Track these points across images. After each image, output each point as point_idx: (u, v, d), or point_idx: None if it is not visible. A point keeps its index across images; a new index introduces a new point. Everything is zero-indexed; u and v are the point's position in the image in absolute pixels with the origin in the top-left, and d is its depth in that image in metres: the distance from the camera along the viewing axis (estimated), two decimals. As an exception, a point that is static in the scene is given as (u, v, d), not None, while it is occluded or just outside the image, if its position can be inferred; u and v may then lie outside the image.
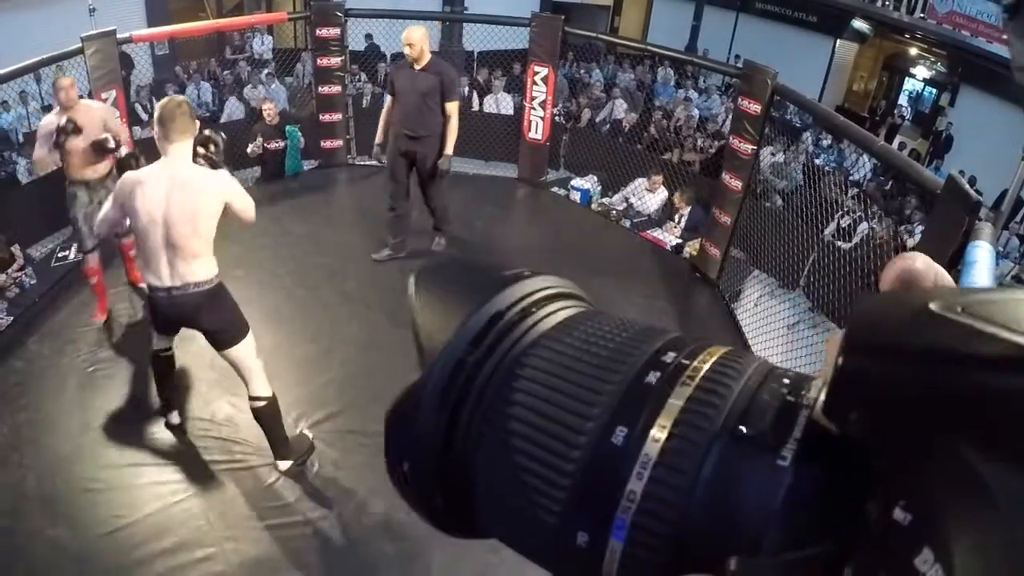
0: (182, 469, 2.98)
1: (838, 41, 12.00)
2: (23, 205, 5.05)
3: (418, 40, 4.08)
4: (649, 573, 0.19)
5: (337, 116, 6.07)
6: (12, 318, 4.04)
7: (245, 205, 2.57)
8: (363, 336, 3.88)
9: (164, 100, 2.48)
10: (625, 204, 5.90)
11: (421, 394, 0.24)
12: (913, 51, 11.97)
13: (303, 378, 3.49)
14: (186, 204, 2.40)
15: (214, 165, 2.66)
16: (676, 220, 5.54)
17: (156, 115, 2.42)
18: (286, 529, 2.77)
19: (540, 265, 0.32)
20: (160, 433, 3.16)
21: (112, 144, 3.60)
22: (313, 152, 6.19)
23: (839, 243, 5.16)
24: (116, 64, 4.80)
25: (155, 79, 9.00)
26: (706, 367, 0.20)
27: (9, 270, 4.48)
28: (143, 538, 2.67)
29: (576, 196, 6.00)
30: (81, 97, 3.75)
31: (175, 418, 3.12)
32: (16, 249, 4.64)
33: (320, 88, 5.98)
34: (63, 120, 3.50)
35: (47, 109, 7.87)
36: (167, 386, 3.07)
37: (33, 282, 4.48)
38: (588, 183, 6.05)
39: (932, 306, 0.17)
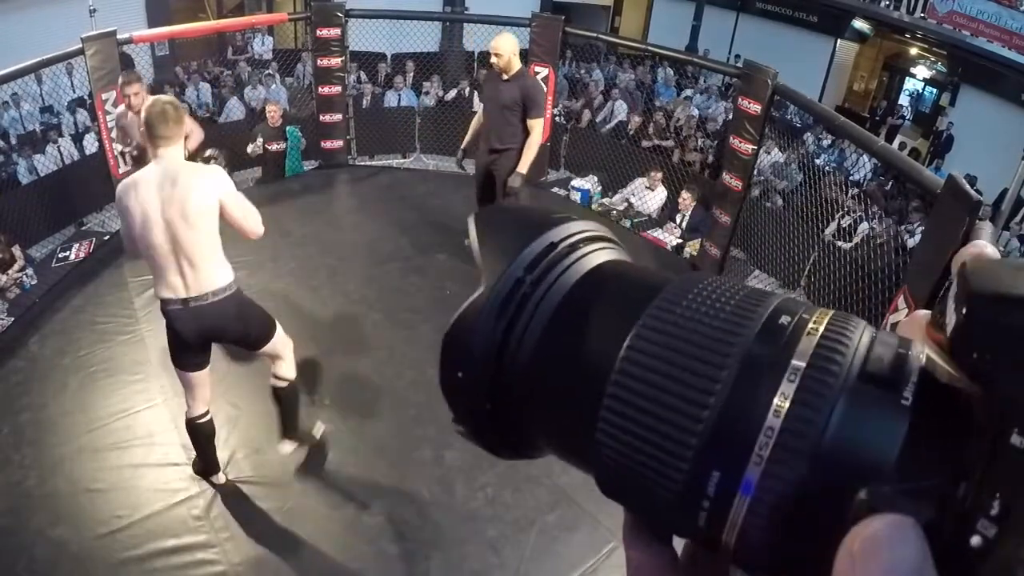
0: (182, 469, 2.98)
1: (838, 41, 11.99)
2: (23, 205, 5.05)
3: (507, 50, 3.91)
4: (778, 514, 0.21)
5: (337, 117, 6.06)
6: (13, 318, 4.04)
7: (244, 211, 2.38)
8: (363, 336, 3.89)
9: (148, 103, 2.30)
10: (625, 204, 5.91)
11: (480, 309, 0.27)
12: (913, 51, 11.97)
13: (303, 378, 3.48)
14: (175, 196, 2.23)
15: None
16: (678, 220, 5.54)
17: (143, 119, 2.26)
18: (286, 529, 2.77)
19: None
20: (161, 433, 3.16)
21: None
22: (313, 153, 6.19)
23: (839, 243, 5.16)
24: (116, 64, 4.80)
25: (155, 80, 8.99)
26: (824, 322, 0.23)
27: (10, 271, 4.49)
28: (143, 538, 2.68)
29: (576, 196, 5.99)
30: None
31: (221, 477, 2.91)
32: (16, 249, 4.65)
33: (320, 89, 5.98)
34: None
35: (47, 110, 7.91)
36: (211, 450, 2.83)
37: (34, 282, 4.49)
38: (588, 183, 6.05)
39: None
